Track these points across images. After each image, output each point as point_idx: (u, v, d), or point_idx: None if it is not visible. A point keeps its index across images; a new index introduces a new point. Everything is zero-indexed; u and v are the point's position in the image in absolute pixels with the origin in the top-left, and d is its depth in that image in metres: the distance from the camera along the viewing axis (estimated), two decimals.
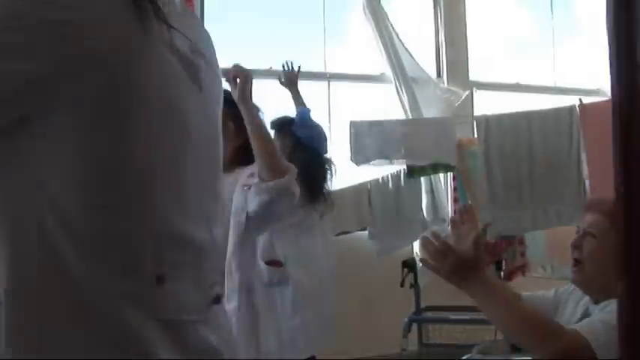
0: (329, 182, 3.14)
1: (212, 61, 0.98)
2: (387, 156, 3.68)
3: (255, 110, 2.12)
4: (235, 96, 2.04)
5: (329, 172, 3.18)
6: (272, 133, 3.31)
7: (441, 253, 1.52)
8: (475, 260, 1.52)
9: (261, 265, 2.87)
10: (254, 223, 2.24)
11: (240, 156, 2.19)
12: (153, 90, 0.83)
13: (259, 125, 2.12)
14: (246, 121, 2.08)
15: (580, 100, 3.50)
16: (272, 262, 2.93)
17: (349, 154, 3.64)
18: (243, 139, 2.13)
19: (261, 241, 2.90)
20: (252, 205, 2.15)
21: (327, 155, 3.31)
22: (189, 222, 0.88)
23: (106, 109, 0.80)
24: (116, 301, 0.79)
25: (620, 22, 0.77)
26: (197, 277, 0.89)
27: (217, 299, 0.93)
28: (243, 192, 2.17)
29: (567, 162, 3.42)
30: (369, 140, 3.62)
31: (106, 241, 0.80)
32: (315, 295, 2.92)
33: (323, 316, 2.96)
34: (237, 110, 2.05)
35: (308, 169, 3.02)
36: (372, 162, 3.72)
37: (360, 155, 3.64)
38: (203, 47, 0.95)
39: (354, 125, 3.65)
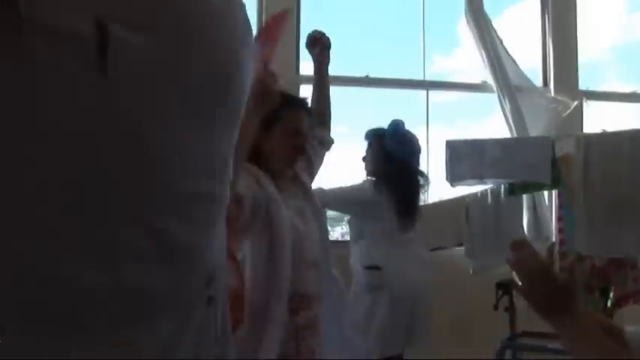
0: (420, 195, 3.30)
1: (180, 37, 0.69)
2: (481, 176, 3.56)
3: None
4: (318, 55, 2.39)
5: (421, 185, 3.32)
6: (365, 144, 3.36)
7: (538, 275, 1.27)
8: (571, 290, 1.28)
9: (361, 269, 3.10)
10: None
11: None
12: None
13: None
14: (321, 76, 2.42)
15: None
16: (372, 267, 3.17)
17: (445, 173, 3.57)
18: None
19: (361, 248, 3.25)
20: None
21: (421, 168, 3.36)
22: (57, 258, 0.62)
23: None
24: None
25: None
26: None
27: None
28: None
29: None
30: (464, 162, 3.55)
31: None
32: (407, 299, 3.10)
33: (412, 318, 3.13)
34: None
35: (398, 181, 3.11)
36: (467, 182, 3.64)
37: (455, 176, 3.58)
38: (151, 17, 0.67)
39: (449, 145, 3.57)
